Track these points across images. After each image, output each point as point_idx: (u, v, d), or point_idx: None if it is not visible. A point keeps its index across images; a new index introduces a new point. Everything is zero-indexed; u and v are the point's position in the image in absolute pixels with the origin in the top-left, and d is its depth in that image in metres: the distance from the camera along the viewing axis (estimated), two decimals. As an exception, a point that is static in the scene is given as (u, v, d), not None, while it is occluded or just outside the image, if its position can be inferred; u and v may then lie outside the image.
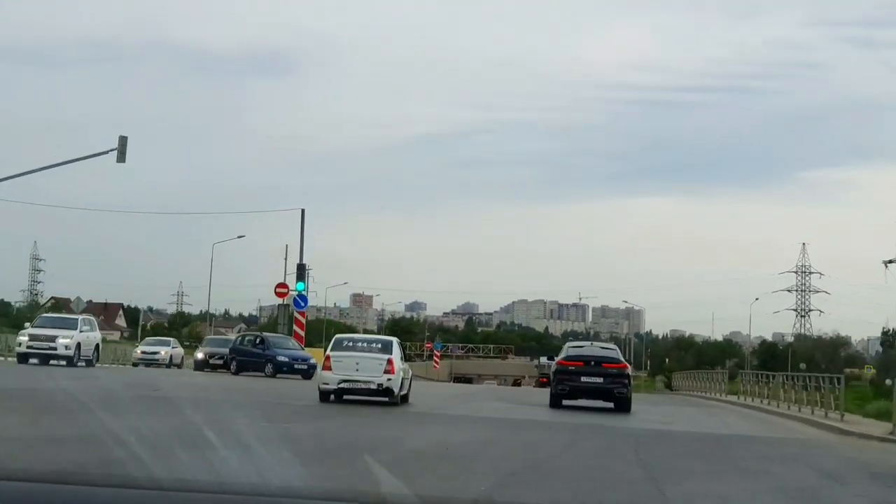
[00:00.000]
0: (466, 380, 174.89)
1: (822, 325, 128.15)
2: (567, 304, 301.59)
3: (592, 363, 25.73)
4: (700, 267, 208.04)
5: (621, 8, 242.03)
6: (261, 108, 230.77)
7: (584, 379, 25.42)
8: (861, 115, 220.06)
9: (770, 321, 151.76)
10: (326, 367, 23.70)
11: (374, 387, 23.23)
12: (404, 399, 24.61)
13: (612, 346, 31.50)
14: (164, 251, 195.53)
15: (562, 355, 26.95)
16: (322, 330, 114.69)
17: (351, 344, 24.96)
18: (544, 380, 66.13)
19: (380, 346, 24.57)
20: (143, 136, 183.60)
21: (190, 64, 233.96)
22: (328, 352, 24.50)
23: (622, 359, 27.22)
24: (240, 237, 76.69)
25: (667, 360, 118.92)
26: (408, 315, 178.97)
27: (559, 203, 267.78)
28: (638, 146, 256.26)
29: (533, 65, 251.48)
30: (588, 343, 31.33)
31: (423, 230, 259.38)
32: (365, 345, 24.85)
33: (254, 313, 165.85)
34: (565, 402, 26.15)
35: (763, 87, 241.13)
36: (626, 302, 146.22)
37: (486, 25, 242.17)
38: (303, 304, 51.46)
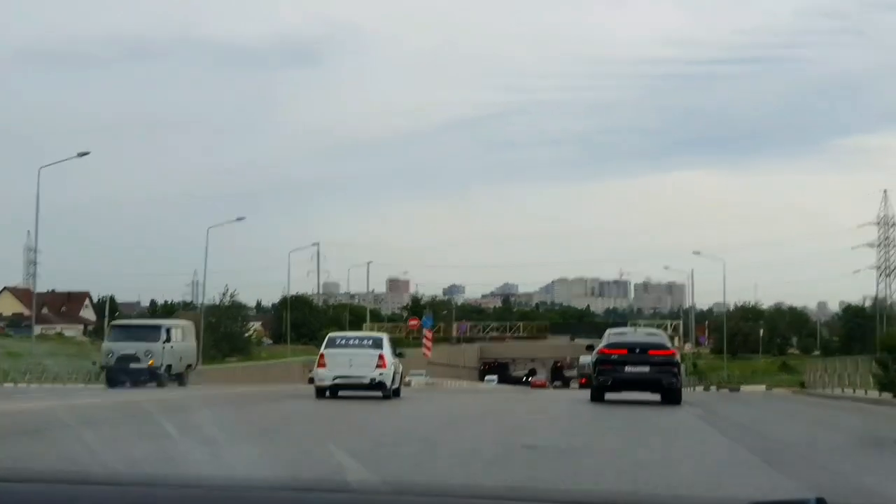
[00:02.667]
0: (499, 366, 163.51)
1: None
2: (608, 281, 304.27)
3: (637, 350, 23.77)
4: (740, 237, 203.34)
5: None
6: (293, 98, 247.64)
7: (628, 368, 23.54)
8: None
9: (821, 288, 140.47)
10: (321, 365, 25.09)
11: (366, 381, 24.83)
12: (396, 393, 26.30)
13: (657, 331, 29.44)
14: (179, 241, 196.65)
15: (603, 343, 24.76)
16: (345, 316, 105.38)
17: (344, 341, 26.27)
18: (584, 381, 63.04)
19: (371, 342, 25.99)
20: (174, 129, 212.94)
21: (221, 57, 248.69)
22: (322, 349, 25.68)
23: (669, 345, 25.31)
24: (239, 219, 73.78)
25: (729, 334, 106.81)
26: (446, 298, 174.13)
27: (596, 181, 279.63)
28: (672, 120, 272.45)
29: (564, 44, 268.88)
30: (631, 329, 29.87)
31: (459, 213, 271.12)
32: (357, 342, 26.24)
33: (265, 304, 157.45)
34: (608, 396, 24.20)
35: (794, 55, 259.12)
36: (667, 268, 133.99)
37: (515, 6, 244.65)
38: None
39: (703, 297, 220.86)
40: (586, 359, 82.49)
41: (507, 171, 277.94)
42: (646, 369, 23.56)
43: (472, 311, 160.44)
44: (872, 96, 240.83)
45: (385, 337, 27.14)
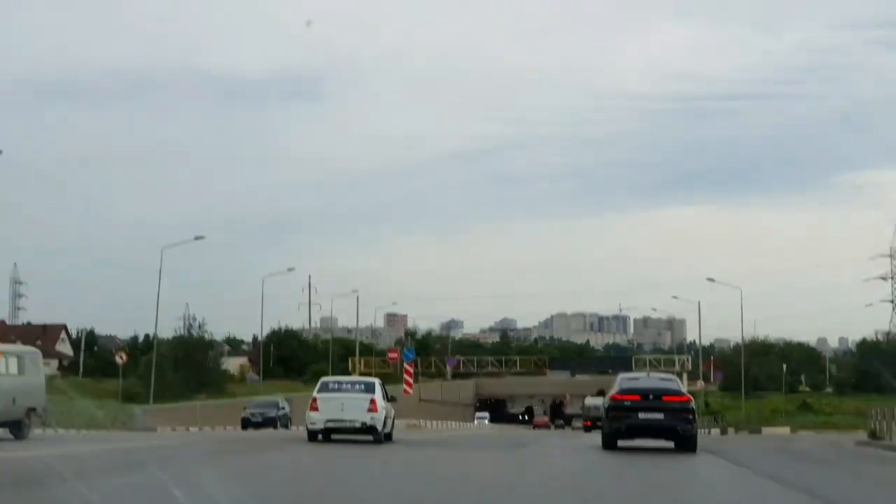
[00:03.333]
0: (496, 403, 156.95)
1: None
2: (607, 317, 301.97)
3: (650, 396, 22.89)
4: (739, 272, 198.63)
5: (649, 20, 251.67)
6: (290, 130, 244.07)
7: (641, 415, 22.69)
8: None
9: (820, 324, 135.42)
10: (313, 408, 25.64)
11: (358, 425, 25.41)
12: (388, 437, 26.79)
13: (670, 376, 28.04)
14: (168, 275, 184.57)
15: (615, 389, 23.90)
16: (333, 350, 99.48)
17: (336, 386, 26.70)
18: (588, 423, 64.32)
19: (363, 387, 26.52)
20: (176, 162, 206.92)
21: (220, 90, 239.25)
22: (315, 393, 26.21)
23: (684, 390, 24.22)
24: (290, 270, 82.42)
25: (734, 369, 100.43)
26: (443, 333, 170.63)
27: (594, 215, 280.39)
28: (670, 155, 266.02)
29: (563, 78, 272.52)
30: (643, 374, 29.04)
31: (457, 248, 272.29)
32: (349, 386, 26.74)
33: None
34: (620, 444, 23.49)
35: (793, 92, 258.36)
36: (675, 297, 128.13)
37: (514, 40, 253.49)
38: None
39: (704, 331, 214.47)
40: (592, 401, 74.41)
41: (505, 204, 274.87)
42: (660, 416, 22.88)
43: (470, 346, 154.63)
44: (871, 132, 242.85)
45: (377, 382, 27.38)
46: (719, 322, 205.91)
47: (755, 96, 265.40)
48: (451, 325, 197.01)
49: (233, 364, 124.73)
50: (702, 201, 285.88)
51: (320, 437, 25.74)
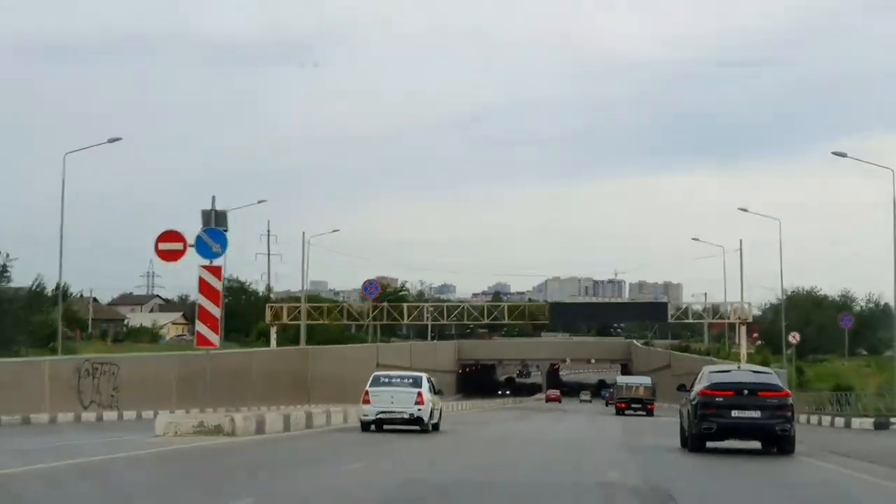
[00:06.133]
0: (481, 369, 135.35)
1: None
2: (602, 281, 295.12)
3: (746, 392, 21.41)
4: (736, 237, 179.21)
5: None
6: (283, 93, 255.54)
7: (735, 413, 21.18)
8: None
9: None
10: (366, 401, 28.06)
11: (406, 417, 27.69)
12: (435, 427, 28.79)
13: (765, 368, 26.77)
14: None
15: (703, 383, 22.04)
16: (278, 309, 77.74)
17: (387, 380, 28.76)
18: (622, 405, 62.79)
19: (411, 381, 28.63)
20: (166, 124, 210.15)
21: (211, 54, 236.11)
22: (367, 387, 28.25)
23: (781, 384, 22.71)
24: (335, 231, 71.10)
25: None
26: (435, 296, 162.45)
27: (589, 181, 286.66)
28: (666, 121, 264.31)
29: (558, 44, 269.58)
30: (734, 367, 26.31)
31: (452, 212, 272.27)
32: (399, 380, 28.82)
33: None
34: (710, 445, 22.01)
35: (789, 56, 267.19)
36: (696, 239, 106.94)
37: (509, 6, 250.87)
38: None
39: (709, 288, 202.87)
40: (625, 380, 72.16)
41: (499, 169, 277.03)
42: (756, 414, 21.22)
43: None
44: (867, 98, 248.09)
45: (424, 376, 29.23)
46: (728, 278, 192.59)
47: (748, 62, 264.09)
48: (444, 289, 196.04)
49: (163, 320, 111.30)
50: (697, 166, 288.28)
51: (373, 427, 28.04)
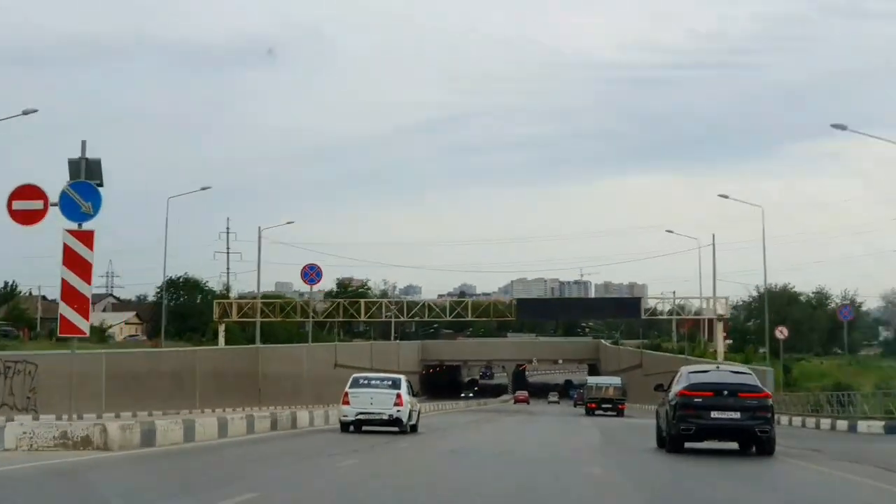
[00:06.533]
0: (447, 370, 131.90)
1: None
2: (569, 282, 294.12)
3: (725, 393, 21.18)
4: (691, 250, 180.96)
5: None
6: (252, 100, 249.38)
7: (715, 414, 20.94)
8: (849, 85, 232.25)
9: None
10: (345, 402, 28.50)
11: (385, 418, 28.14)
12: (413, 428, 29.18)
13: (744, 368, 26.19)
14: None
15: (681, 384, 21.76)
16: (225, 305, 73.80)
17: (366, 382, 29.20)
18: (593, 405, 63.33)
19: (390, 382, 29.11)
20: (134, 132, 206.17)
21: (180, 58, 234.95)
22: (347, 388, 28.79)
23: (761, 385, 22.18)
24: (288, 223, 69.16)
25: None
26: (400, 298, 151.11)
27: (555, 184, 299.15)
28: (630, 125, 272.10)
29: (523, 48, 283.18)
30: (713, 367, 26.40)
31: (418, 216, 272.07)
32: (378, 382, 29.22)
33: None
34: (688, 445, 21.73)
35: (750, 61, 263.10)
36: (670, 231, 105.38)
37: (475, 10, 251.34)
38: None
39: (677, 287, 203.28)
40: (595, 380, 71.98)
41: (465, 173, 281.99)
42: (736, 415, 20.97)
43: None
44: (825, 102, 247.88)
45: (403, 378, 29.89)
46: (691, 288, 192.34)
47: (715, 65, 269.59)
48: (410, 290, 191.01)
49: (115, 320, 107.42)
50: (662, 170, 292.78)
51: (351, 428, 28.28)
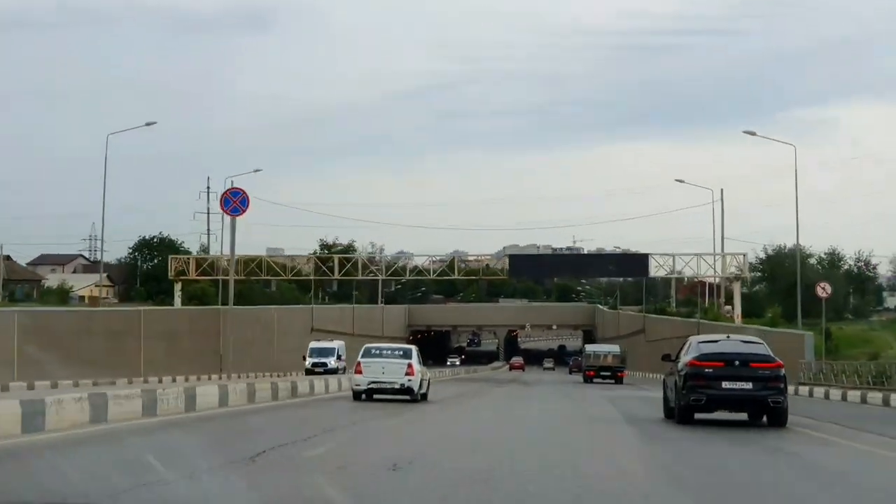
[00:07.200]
0: (435, 336, 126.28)
1: None
2: (561, 248, 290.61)
3: (737, 363, 20.74)
4: (694, 208, 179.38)
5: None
6: (242, 67, 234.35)
7: (725, 385, 20.51)
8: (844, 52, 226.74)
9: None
10: (358, 371, 29.26)
11: (397, 387, 28.67)
12: (424, 397, 29.78)
13: (755, 338, 24.13)
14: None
15: (690, 354, 21.31)
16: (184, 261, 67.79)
17: (378, 351, 30.05)
18: (591, 373, 62.81)
19: (401, 352, 29.91)
20: (125, 96, 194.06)
21: (168, 25, 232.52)
22: (359, 358, 29.67)
23: (773, 355, 21.33)
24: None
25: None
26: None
27: (548, 152, 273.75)
28: (624, 92, 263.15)
29: (516, 14, 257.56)
30: (723, 336, 23.99)
31: (411, 182, 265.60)
32: (389, 352, 30.07)
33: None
34: (698, 416, 21.31)
35: (746, 28, 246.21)
36: (680, 181, 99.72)
37: None
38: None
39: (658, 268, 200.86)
40: (593, 347, 70.07)
41: (458, 140, 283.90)
42: (748, 385, 20.47)
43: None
44: (823, 69, 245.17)
45: (414, 349, 30.50)
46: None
47: (709, 32, 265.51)
48: (401, 256, 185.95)
49: (85, 282, 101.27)
50: (655, 136, 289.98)
51: (363, 396, 28.79)
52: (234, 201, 29.72)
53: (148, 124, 55.14)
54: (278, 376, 50.62)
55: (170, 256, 67.78)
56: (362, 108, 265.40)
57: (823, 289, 51.20)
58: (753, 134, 55.81)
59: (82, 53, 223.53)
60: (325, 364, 52.00)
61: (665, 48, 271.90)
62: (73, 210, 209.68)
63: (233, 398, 24.10)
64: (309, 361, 52.80)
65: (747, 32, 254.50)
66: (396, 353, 29.75)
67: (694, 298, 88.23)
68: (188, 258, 67.96)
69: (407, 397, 28.51)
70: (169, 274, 65.69)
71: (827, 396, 36.05)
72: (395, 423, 20.21)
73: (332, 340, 56.22)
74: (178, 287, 63.90)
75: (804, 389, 39.04)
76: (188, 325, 49.60)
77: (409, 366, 28.75)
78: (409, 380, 28.56)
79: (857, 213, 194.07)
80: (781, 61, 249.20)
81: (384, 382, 28.53)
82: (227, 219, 36.15)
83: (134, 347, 40.61)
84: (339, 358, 54.18)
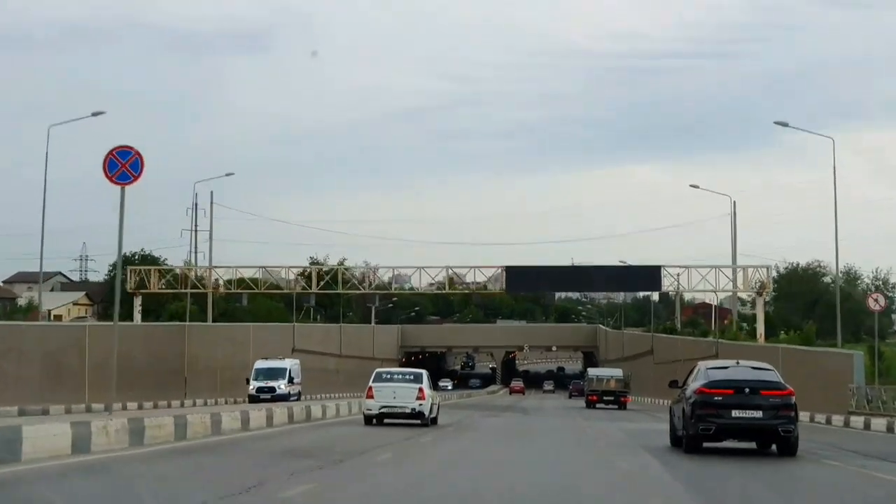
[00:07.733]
0: (429, 358, 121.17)
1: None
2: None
3: (747, 391, 20.42)
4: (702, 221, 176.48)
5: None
6: (237, 84, 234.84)
7: (735, 413, 20.14)
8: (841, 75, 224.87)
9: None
10: (369, 396, 29.68)
11: (408, 411, 29.17)
12: (434, 421, 30.37)
13: (765, 364, 23.24)
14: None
15: (699, 381, 20.96)
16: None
17: (389, 376, 30.71)
18: (594, 398, 61.39)
19: (412, 377, 30.53)
20: (120, 115, 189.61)
21: (165, 42, 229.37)
22: (371, 383, 30.04)
23: (784, 382, 21.10)
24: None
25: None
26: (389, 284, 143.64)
27: (546, 172, 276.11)
28: (618, 114, 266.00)
29: (513, 35, 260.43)
30: (732, 362, 23.00)
31: (406, 203, 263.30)
32: (400, 377, 30.78)
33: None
34: (706, 445, 20.97)
35: (740, 50, 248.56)
36: (695, 186, 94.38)
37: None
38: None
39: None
40: (595, 371, 69.10)
41: (454, 161, 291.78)
42: (758, 414, 20.19)
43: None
44: (817, 91, 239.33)
45: (424, 373, 30.93)
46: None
47: (706, 54, 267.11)
48: (397, 279, 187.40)
49: (59, 301, 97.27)
50: (652, 158, 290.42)
51: (374, 421, 29.36)
52: (123, 164, 22.71)
53: (94, 114, 50.34)
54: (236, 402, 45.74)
55: (128, 267, 62.04)
56: (355, 127, 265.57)
57: (876, 300, 44.69)
58: (786, 125, 51.46)
59: (79, 71, 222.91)
60: (272, 389, 45.00)
61: (662, 69, 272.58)
62: (57, 227, 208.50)
63: (193, 429, 20.44)
64: (253, 385, 45.17)
65: (743, 54, 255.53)
66: (407, 377, 30.41)
67: (697, 319, 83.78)
68: (149, 269, 62.40)
69: (418, 421, 28.90)
70: (128, 286, 59.44)
71: (891, 430, 30.36)
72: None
73: (283, 359, 48.86)
74: (137, 301, 58.47)
75: (857, 420, 33.43)
76: (146, 343, 44.30)
77: (420, 390, 29.19)
78: (421, 404, 29.02)
79: (870, 230, 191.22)
80: (776, 83, 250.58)
81: (395, 407, 29.02)
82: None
83: (76, 369, 35.47)
84: (290, 381, 46.62)
